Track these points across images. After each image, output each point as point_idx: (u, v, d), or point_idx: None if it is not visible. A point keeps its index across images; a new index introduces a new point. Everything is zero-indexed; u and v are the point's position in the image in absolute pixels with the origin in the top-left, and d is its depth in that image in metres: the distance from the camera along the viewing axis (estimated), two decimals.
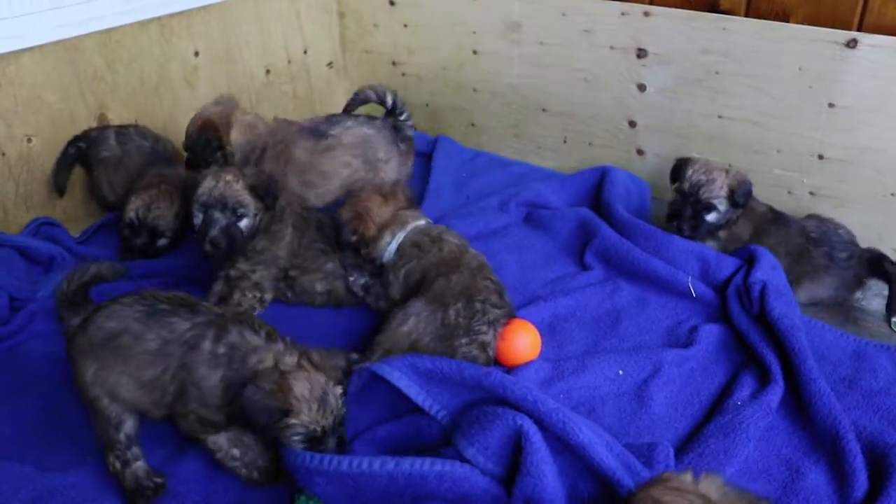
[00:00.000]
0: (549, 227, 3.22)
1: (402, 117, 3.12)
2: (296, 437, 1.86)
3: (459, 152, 3.94)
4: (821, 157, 3.01)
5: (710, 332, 2.57)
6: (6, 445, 2.17)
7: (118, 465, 2.02)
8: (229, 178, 2.58)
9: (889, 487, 1.94)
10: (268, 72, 3.99)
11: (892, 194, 2.91)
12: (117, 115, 3.36)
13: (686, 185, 2.81)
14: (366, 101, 3.13)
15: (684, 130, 3.36)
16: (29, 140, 3.10)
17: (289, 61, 4.07)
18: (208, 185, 2.56)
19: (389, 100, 3.08)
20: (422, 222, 2.71)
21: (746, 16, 3.04)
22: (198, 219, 2.58)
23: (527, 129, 3.88)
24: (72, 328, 2.02)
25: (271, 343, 1.93)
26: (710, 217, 2.80)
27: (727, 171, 2.79)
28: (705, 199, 2.77)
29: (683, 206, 2.82)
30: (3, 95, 2.97)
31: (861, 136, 2.90)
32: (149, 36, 3.38)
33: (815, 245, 2.75)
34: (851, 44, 2.80)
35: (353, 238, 2.65)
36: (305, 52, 4.14)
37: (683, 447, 2.15)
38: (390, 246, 2.64)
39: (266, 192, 2.61)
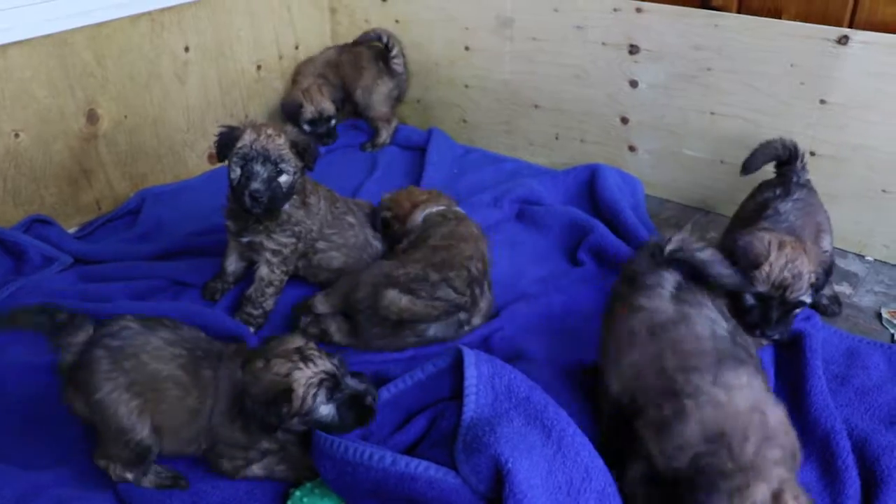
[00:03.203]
0: (542, 223, 3.21)
1: (392, 53, 3.96)
2: (319, 396, 1.87)
3: (451, 148, 3.93)
4: (812, 153, 3.01)
5: None
6: None
7: (129, 475, 2.00)
8: (270, 131, 2.47)
9: (883, 494, 1.92)
10: (259, 67, 3.97)
11: (884, 191, 2.91)
12: (107, 111, 3.34)
13: (766, 287, 2.20)
14: (370, 39, 3.99)
15: (676, 127, 3.36)
16: (17, 135, 3.08)
17: (280, 57, 4.05)
18: (249, 138, 2.44)
19: (384, 38, 3.95)
20: (455, 207, 2.83)
21: (738, 12, 3.04)
22: (235, 173, 2.47)
23: (518, 125, 3.88)
24: (75, 351, 1.91)
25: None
26: (798, 311, 2.31)
27: (805, 253, 2.23)
28: (794, 299, 2.22)
29: (768, 310, 2.23)
30: None
31: (852, 133, 2.90)
32: (139, 31, 3.37)
33: None
34: (843, 40, 2.80)
35: (387, 214, 2.80)
36: (297, 47, 4.12)
37: None
38: (420, 218, 2.74)
39: (306, 151, 2.53)
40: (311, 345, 1.94)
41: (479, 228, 2.75)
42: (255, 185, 2.42)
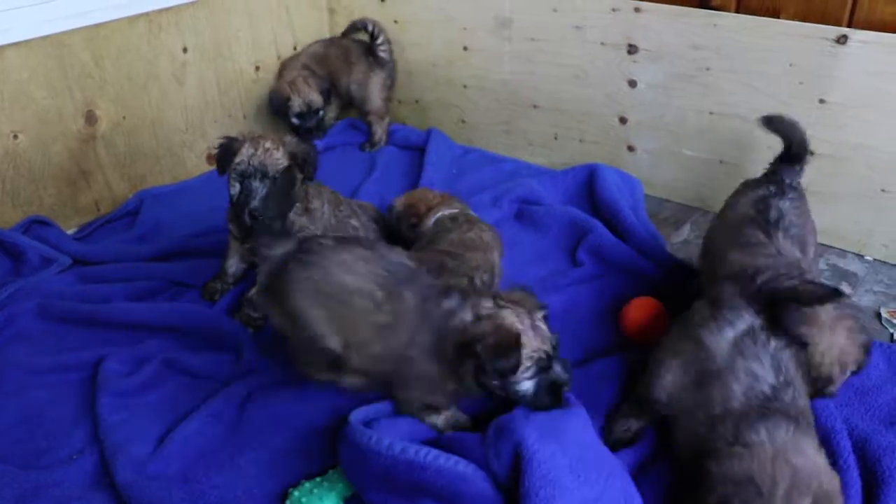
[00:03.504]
0: (541, 223, 3.21)
1: (378, 41, 3.94)
2: (527, 371, 1.84)
3: (450, 148, 3.93)
4: (812, 153, 3.00)
5: None
6: None
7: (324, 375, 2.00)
8: (268, 144, 2.44)
9: (885, 494, 1.91)
10: (257, 68, 3.97)
11: (883, 190, 2.91)
12: (105, 112, 3.34)
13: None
14: (356, 29, 4.03)
15: (675, 127, 3.36)
16: (15, 136, 3.08)
17: (278, 57, 4.05)
18: (247, 153, 2.41)
19: (370, 26, 3.95)
20: (468, 212, 2.77)
21: (737, 11, 3.03)
22: (235, 188, 2.46)
23: (517, 125, 3.87)
24: (274, 264, 1.97)
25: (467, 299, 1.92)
26: None
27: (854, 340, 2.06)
28: (831, 392, 2.12)
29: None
30: None
31: (852, 133, 2.90)
32: (137, 32, 3.36)
33: None
34: (841, 40, 2.80)
35: (414, 220, 2.73)
36: (295, 47, 4.12)
37: None
38: (430, 222, 2.70)
39: (305, 162, 2.51)
40: (540, 314, 1.92)
41: (494, 234, 2.67)
42: (254, 203, 2.42)
